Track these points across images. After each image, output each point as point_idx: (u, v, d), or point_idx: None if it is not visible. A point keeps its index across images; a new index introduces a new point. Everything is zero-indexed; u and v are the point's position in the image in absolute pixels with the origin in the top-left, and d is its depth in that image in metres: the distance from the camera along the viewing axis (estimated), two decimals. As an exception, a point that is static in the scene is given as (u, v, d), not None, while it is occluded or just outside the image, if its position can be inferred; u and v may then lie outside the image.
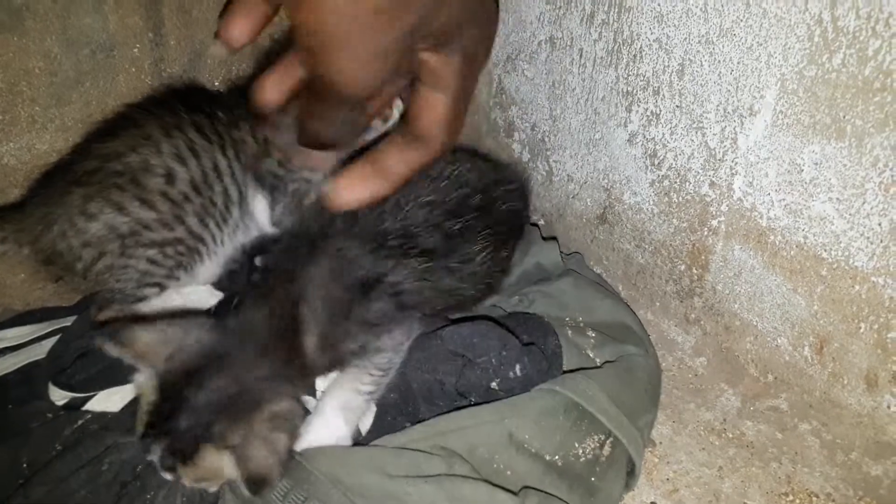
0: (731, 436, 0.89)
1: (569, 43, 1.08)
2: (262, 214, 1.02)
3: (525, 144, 1.21)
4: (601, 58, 1.03)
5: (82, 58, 0.98)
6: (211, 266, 1.00)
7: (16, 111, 0.96)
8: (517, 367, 0.80)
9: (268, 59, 1.02)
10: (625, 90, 1.01)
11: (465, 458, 0.74)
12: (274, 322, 0.78)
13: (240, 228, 1.01)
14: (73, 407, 0.91)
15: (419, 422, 0.78)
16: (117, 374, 0.92)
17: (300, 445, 0.74)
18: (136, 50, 1.02)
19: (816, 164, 0.78)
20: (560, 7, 1.07)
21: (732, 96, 0.86)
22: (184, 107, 0.94)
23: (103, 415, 0.91)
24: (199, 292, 1.02)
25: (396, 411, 0.82)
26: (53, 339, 0.97)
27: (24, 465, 0.85)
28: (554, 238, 1.12)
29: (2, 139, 0.96)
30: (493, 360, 0.79)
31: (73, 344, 0.97)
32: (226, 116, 0.97)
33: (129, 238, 0.90)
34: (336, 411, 0.78)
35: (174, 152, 0.91)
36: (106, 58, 1.00)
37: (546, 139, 1.16)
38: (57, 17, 0.94)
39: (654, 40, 0.94)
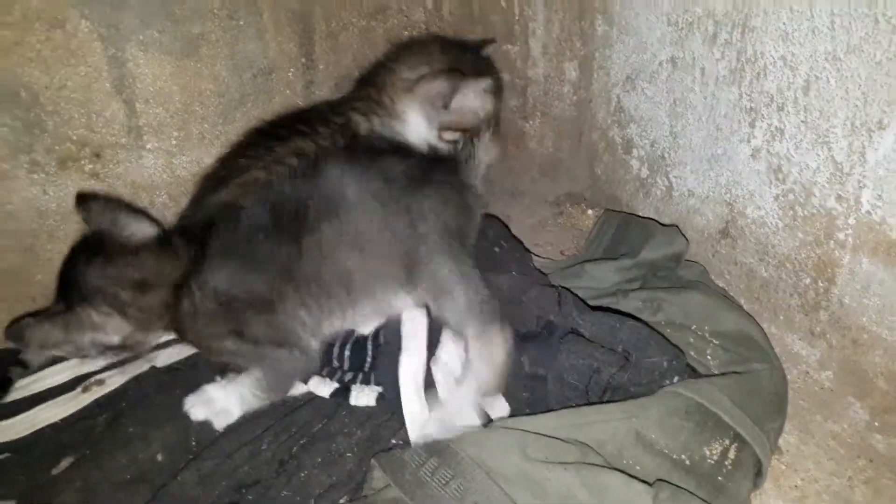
0: (860, 448, 0.89)
1: (690, 62, 1.11)
2: None
3: (644, 161, 1.25)
4: (724, 76, 1.06)
5: (246, 80, 1.10)
6: None
7: (189, 128, 1.09)
8: (675, 378, 0.84)
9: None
10: (748, 107, 1.03)
11: (596, 451, 0.78)
12: None
13: None
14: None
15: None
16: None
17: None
18: (290, 73, 1.13)
19: (952, 176, 0.79)
20: (682, 28, 1.11)
21: (860, 111, 0.88)
22: (281, 137, 1.04)
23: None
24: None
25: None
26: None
27: (193, 443, 0.94)
28: (675, 225, 1.16)
29: (177, 153, 1.09)
30: (665, 364, 0.84)
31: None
32: (328, 129, 1.07)
33: None
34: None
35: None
36: (265, 80, 1.11)
37: (666, 155, 1.20)
38: (226, 45, 1.07)
39: (778, 58, 0.97)
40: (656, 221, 1.18)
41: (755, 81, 1.01)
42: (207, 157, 1.10)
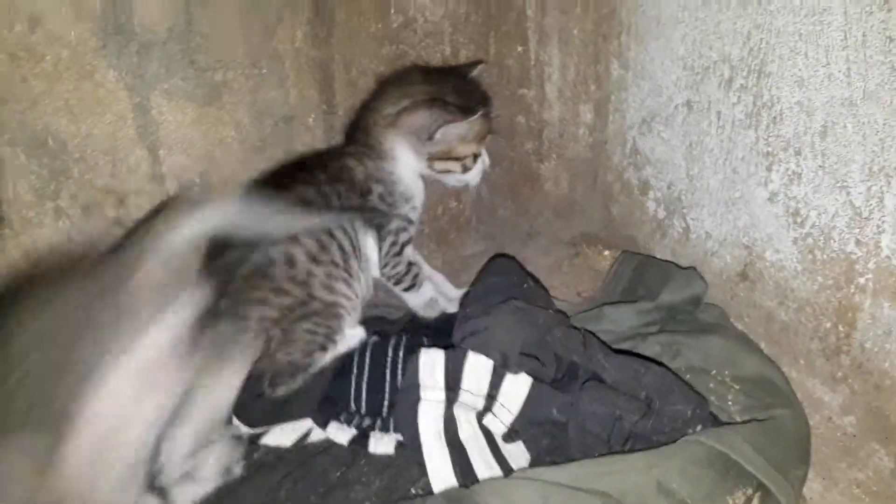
0: (885, 496, 0.88)
1: (706, 106, 1.12)
2: (372, 254, 1.13)
3: (661, 202, 1.26)
4: (740, 120, 1.07)
5: (266, 127, 1.12)
6: (356, 315, 1.11)
7: (210, 175, 1.10)
8: (698, 427, 0.84)
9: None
10: (765, 151, 1.04)
11: (618, 500, 0.77)
12: None
13: (362, 274, 1.10)
14: (251, 440, 1.02)
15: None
16: (287, 412, 1.03)
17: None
18: (311, 119, 1.15)
19: (973, 223, 0.79)
20: (698, 73, 1.12)
21: (878, 156, 0.88)
22: (285, 186, 1.04)
23: (277, 448, 1.01)
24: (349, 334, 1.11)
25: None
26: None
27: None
28: (693, 268, 1.15)
29: (197, 201, 1.10)
30: (689, 413, 0.84)
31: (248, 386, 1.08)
32: (324, 175, 1.07)
33: (280, 323, 1.01)
34: None
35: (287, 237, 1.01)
36: (286, 127, 1.14)
37: (683, 197, 1.20)
38: (248, 92, 1.09)
39: (794, 103, 0.97)
40: (674, 264, 1.18)
41: (772, 126, 1.02)
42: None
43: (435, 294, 1.20)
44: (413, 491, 0.90)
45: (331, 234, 1.04)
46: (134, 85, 1.03)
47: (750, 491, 0.81)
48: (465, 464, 0.86)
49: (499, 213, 1.22)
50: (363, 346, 1.06)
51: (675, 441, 0.83)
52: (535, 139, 1.40)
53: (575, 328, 0.97)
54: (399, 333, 1.09)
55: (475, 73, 1.16)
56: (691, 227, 1.20)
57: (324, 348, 1.05)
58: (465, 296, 1.08)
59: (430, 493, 0.85)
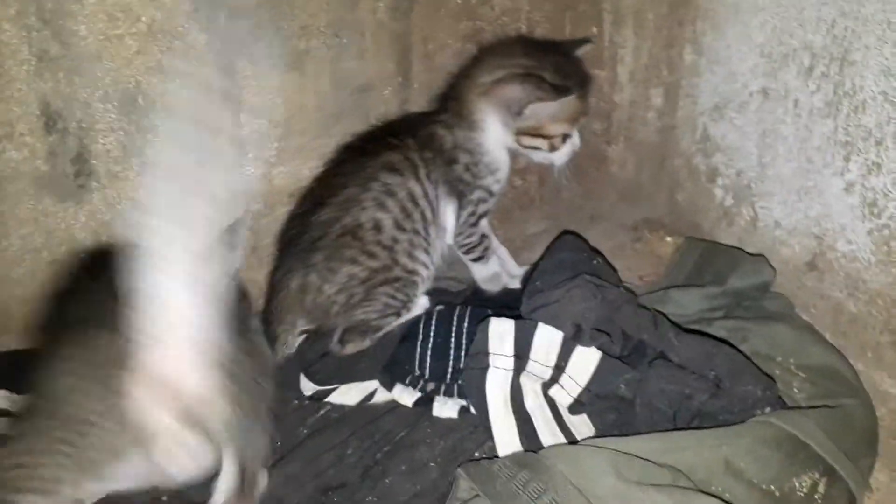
0: (954, 490, 0.87)
1: (783, 94, 1.11)
2: (449, 223, 1.15)
3: (729, 190, 1.25)
4: (818, 108, 1.06)
5: (344, 97, 1.15)
6: (428, 284, 1.15)
7: (289, 140, 1.14)
8: (767, 409, 0.84)
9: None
10: (843, 140, 1.03)
11: (687, 476, 0.78)
12: None
13: (439, 241, 1.14)
14: (317, 398, 1.05)
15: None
16: (353, 372, 1.06)
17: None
18: (387, 91, 1.18)
19: None
20: (776, 61, 1.11)
21: (965, 150, 0.87)
22: (373, 152, 1.08)
23: (342, 406, 1.04)
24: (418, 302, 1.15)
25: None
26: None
27: (279, 444, 0.98)
28: (762, 255, 1.15)
29: (276, 163, 1.14)
30: (759, 393, 0.84)
31: (315, 344, 1.11)
32: (415, 141, 1.09)
33: (366, 283, 1.06)
34: None
35: (375, 202, 1.05)
36: (362, 97, 1.16)
37: (752, 185, 1.20)
38: (329, 62, 1.12)
39: (878, 93, 0.96)
40: (742, 250, 1.18)
41: (852, 115, 1.01)
42: (304, 169, 1.14)
43: (500, 269, 1.21)
44: (477, 454, 0.92)
45: (415, 202, 1.07)
46: (221, 49, 1.05)
47: (817, 475, 0.82)
48: (530, 431, 0.88)
49: (563, 193, 1.22)
50: (428, 314, 1.09)
51: (743, 421, 0.84)
52: (604, 121, 1.40)
53: (644, 307, 0.97)
54: (463, 304, 1.11)
55: (580, 51, 1.15)
56: (760, 216, 1.19)
57: (398, 314, 1.08)
58: (534, 269, 1.09)
59: (496, 456, 0.87)
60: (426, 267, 1.11)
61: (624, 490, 0.74)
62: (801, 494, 0.80)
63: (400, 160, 1.08)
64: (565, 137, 1.12)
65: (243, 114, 1.10)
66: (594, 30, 1.29)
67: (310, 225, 1.06)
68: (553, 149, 1.12)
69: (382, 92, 1.17)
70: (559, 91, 1.06)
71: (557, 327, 0.92)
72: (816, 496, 0.81)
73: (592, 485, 0.74)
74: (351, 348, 1.08)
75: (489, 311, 1.02)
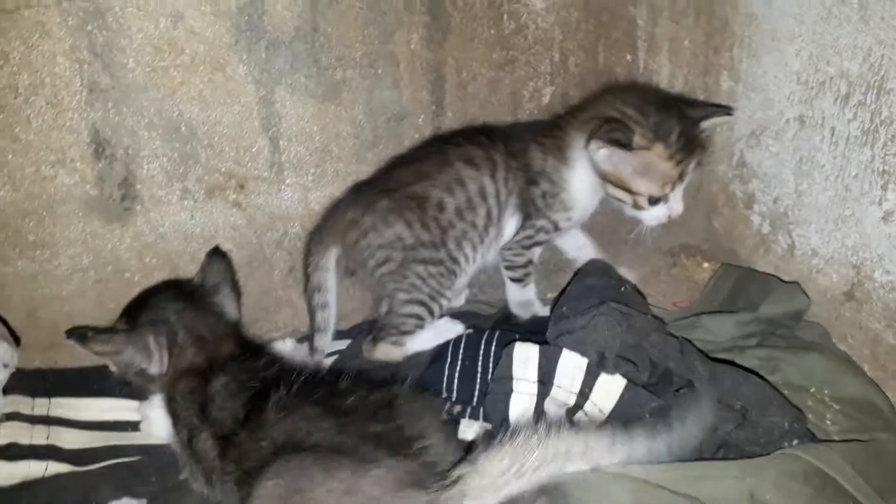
0: None
1: (820, 122, 1.10)
2: (508, 233, 1.17)
3: (765, 217, 1.24)
4: (855, 137, 1.05)
5: (379, 124, 1.18)
6: (461, 283, 1.17)
7: (325, 166, 1.17)
8: (795, 441, 0.83)
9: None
10: (881, 169, 1.01)
11: (708, 507, 0.77)
12: None
13: (490, 246, 1.16)
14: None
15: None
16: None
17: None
18: (420, 119, 1.20)
19: None
20: (812, 88, 1.10)
21: None
22: (459, 143, 1.13)
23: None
24: (447, 326, 1.17)
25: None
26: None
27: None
28: (796, 282, 1.14)
29: (313, 188, 1.17)
30: (786, 425, 0.84)
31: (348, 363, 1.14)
32: (505, 146, 1.13)
33: (409, 252, 1.09)
34: None
35: (444, 184, 1.10)
36: (397, 125, 1.19)
37: (789, 213, 1.18)
38: (365, 91, 1.15)
39: (916, 121, 0.95)
40: (777, 277, 1.16)
41: (889, 144, 0.99)
42: (339, 193, 1.17)
43: (534, 297, 1.22)
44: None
45: (483, 198, 1.11)
46: (261, 79, 1.10)
47: (847, 510, 0.80)
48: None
49: (597, 218, 1.22)
50: (458, 338, 1.10)
51: (769, 453, 0.83)
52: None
53: (672, 335, 0.97)
54: (492, 328, 1.12)
55: (710, 122, 1.11)
56: (797, 244, 1.18)
57: (423, 304, 1.11)
58: (560, 295, 1.09)
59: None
60: (468, 262, 1.14)
61: (643, 518, 0.73)
62: (829, 530, 0.79)
63: (481, 157, 1.11)
64: (654, 199, 1.07)
65: (282, 141, 1.14)
66: (628, 57, 1.30)
67: (387, 178, 1.12)
68: (637, 207, 1.08)
69: (416, 120, 1.20)
70: (621, 144, 1.02)
71: (582, 354, 0.92)
72: (845, 532, 0.79)
73: (612, 512, 0.74)
74: (381, 352, 1.11)
75: (516, 336, 1.02)
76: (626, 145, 1.03)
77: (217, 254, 1.09)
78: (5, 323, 1.08)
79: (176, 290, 1.04)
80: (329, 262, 1.12)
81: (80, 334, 0.94)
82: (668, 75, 1.31)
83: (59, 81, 1.02)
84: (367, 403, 0.84)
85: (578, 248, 1.27)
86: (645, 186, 1.06)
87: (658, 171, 1.05)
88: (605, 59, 1.29)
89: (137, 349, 0.94)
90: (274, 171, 1.16)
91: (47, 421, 1.01)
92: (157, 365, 0.95)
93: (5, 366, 0.99)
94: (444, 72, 1.19)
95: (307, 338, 1.16)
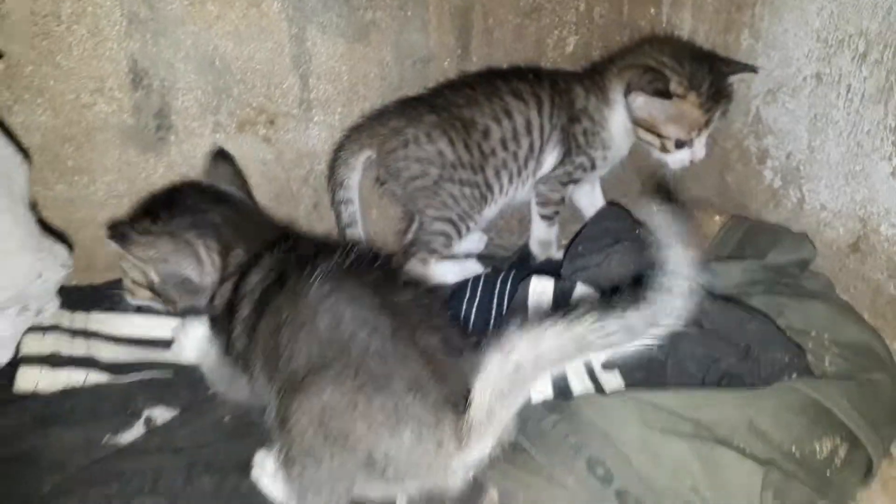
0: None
1: (836, 79, 1.13)
2: (547, 166, 1.22)
3: (777, 172, 1.27)
4: (870, 94, 1.07)
5: (406, 67, 1.21)
6: (489, 212, 1.22)
7: (352, 106, 1.21)
8: (794, 374, 0.88)
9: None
10: (893, 126, 1.04)
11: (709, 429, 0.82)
12: None
13: (526, 180, 1.22)
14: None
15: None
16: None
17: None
18: (445, 63, 1.24)
19: None
20: (831, 46, 1.13)
21: None
22: (509, 78, 1.19)
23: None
24: (470, 265, 1.23)
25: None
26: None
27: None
28: (804, 233, 1.18)
29: (339, 127, 1.22)
30: (786, 360, 0.89)
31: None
32: (549, 86, 1.18)
33: (446, 170, 1.14)
34: None
35: (492, 113, 1.15)
36: (423, 68, 1.23)
37: (801, 168, 1.21)
38: (393, 33, 1.19)
39: (931, 79, 0.97)
40: (785, 228, 1.20)
41: (903, 100, 1.02)
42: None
43: (555, 238, 1.27)
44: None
45: (529, 131, 1.16)
46: (294, 17, 1.13)
47: (838, 440, 0.85)
48: (562, 382, 0.92)
49: (616, 174, 1.26)
50: (477, 276, 1.14)
51: (770, 385, 0.87)
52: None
53: (682, 275, 1.01)
54: (508, 269, 1.16)
55: (734, 77, 1.20)
56: (806, 198, 1.21)
57: (451, 223, 1.16)
58: (576, 236, 1.14)
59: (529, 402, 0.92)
60: (502, 193, 1.19)
61: (647, 436, 0.78)
62: (821, 458, 0.84)
63: (528, 92, 1.17)
64: (680, 143, 1.16)
65: (311, 78, 1.18)
66: (652, 10, 1.32)
67: (436, 98, 1.18)
68: (664, 150, 1.17)
69: (442, 63, 1.23)
70: (661, 94, 1.11)
71: (596, 289, 0.96)
72: (836, 460, 0.84)
73: (618, 430, 0.80)
74: (410, 268, 1.15)
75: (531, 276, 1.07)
76: (665, 94, 1.11)
77: (221, 154, 1.11)
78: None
79: (200, 190, 0.99)
80: (358, 161, 1.17)
81: (121, 234, 0.89)
82: (689, 30, 1.34)
83: (99, 11, 1.06)
84: (422, 305, 0.81)
85: (594, 204, 1.33)
86: (674, 131, 1.15)
87: (688, 117, 1.14)
88: (630, 11, 1.31)
89: (185, 255, 0.90)
90: (303, 109, 1.19)
91: (86, 334, 1.06)
92: (208, 274, 0.92)
93: (63, 265, 1.02)
94: (471, 17, 1.22)
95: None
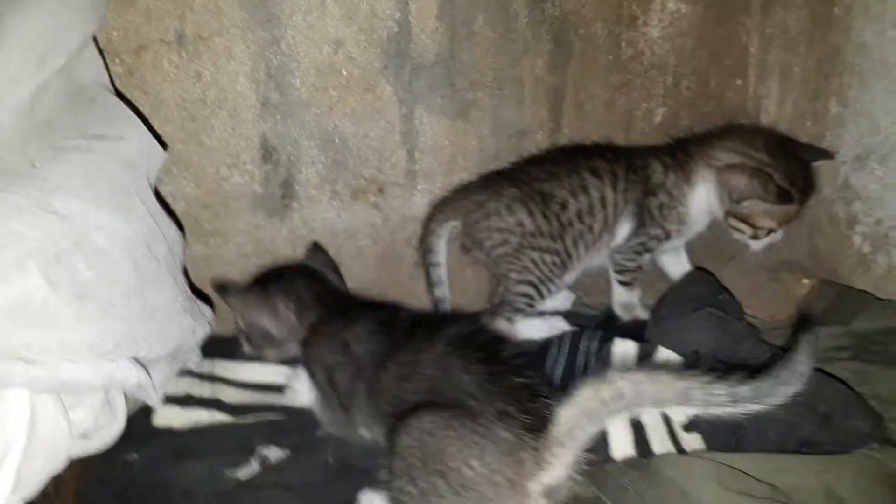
0: None
1: (925, 148, 1.15)
2: (620, 237, 1.29)
3: (867, 237, 1.29)
4: (960, 164, 1.10)
5: (502, 140, 1.32)
6: (569, 277, 1.30)
7: (452, 176, 1.33)
8: (874, 445, 0.91)
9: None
10: (983, 196, 1.06)
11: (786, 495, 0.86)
12: None
13: (601, 249, 1.29)
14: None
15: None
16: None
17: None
18: (539, 136, 1.34)
19: None
20: (920, 114, 1.16)
21: None
22: (588, 155, 1.27)
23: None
24: (556, 322, 1.30)
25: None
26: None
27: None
28: (892, 300, 1.19)
29: (439, 195, 1.33)
30: (866, 429, 0.92)
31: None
32: (626, 161, 1.26)
33: (526, 238, 1.22)
34: None
35: (570, 188, 1.23)
36: (518, 141, 1.33)
37: (890, 234, 1.23)
38: (491, 110, 1.30)
39: None
40: (873, 295, 1.21)
41: None
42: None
43: (637, 301, 1.33)
44: (593, 456, 1.03)
45: (603, 205, 1.24)
46: (404, 98, 1.27)
47: (923, 513, 0.86)
48: (643, 441, 0.98)
49: (704, 233, 1.31)
50: (563, 333, 1.22)
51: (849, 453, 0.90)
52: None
53: (765, 341, 1.05)
54: (594, 328, 1.23)
55: (817, 163, 1.23)
56: (896, 265, 1.23)
57: (533, 286, 1.23)
58: (661, 300, 1.19)
59: (611, 459, 0.98)
60: (579, 260, 1.27)
61: (724, 496, 0.83)
62: (902, 528, 0.86)
63: (605, 169, 1.25)
64: (770, 232, 1.22)
65: (417, 152, 1.31)
66: (738, 82, 1.38)
67: (518, 172, 1.27)
68: (755, 238, 1.23)
69: (535, 136, 1.34)
70: (781, 198, 1.15)
71: (678, 353, 1.02)
72: (917, 532, 0.86)
73: (696, 489, 0.85)
74: (497, 327, 1.23)
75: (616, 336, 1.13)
76: (789, 200, 1.15)
77: (317, 247, 1.24)
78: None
79: (294, 267, 1.18)
80: (444, 230, 1.27)
81: (221, 286, 1.11)
82: (777, 100, 1.38)
83: (239, 98, 1.23)
84: (514, 363, 0.90)
85: (680, 269, 1.37)
86: (768, 223, 1.20)
87: (785, 213, 1.19)
88: (717, 83, 1.37)
89: (267, 311, 1.08)
90: (408, 179, 1.32)
91: (212, 378, 1.19)
92: (283, 328, 1.08)
93: (209, 322, 1.18)
94: (563, 93, 1.32)
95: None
